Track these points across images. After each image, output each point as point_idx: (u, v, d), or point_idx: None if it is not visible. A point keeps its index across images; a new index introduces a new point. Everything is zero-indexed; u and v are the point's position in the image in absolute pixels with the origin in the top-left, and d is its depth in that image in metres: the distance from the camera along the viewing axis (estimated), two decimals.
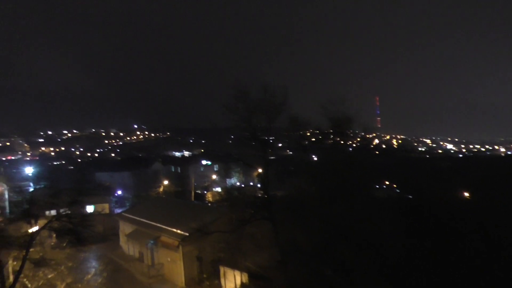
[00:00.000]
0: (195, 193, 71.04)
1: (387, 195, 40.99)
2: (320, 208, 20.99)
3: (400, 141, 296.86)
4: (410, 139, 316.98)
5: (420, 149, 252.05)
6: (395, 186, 57.34)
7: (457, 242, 20.43)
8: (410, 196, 40.34)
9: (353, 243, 19.27)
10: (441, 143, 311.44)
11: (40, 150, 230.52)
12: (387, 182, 59.27)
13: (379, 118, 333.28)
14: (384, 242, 19.04)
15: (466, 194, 42.53)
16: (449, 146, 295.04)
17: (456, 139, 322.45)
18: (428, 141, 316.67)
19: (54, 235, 29.05)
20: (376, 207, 21.32)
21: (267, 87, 27.29)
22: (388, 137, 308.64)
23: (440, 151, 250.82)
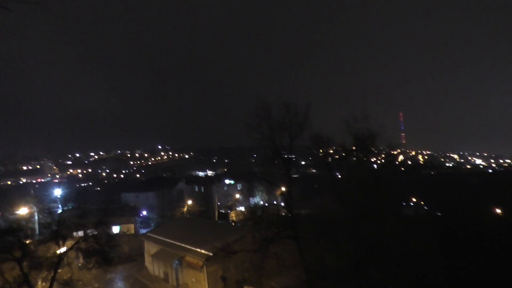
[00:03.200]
0: (219, 212, 70.97)
1: (415, 213, 39.83)
2: (346, 227, 20.56)
3: (426, 157, 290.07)
4: (437, 154, 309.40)
5: (447, 164, 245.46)
6: (422, 203, 55.75)
7: (492, 261, 19.55)
8: (439, 213, 39.07)
9: (382, 263, 18.70)
10: (470, 158, 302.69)
11: (68, 172, 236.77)
12: (414, 199, 57.74)
13: (403, 134, 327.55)
14: (415, 261, 18.39)
15: (498, 211, 40.89)
16: (478, 161, 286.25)
17: (485, 154, 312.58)
18: (456, 156, 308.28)
19: (81, 256, 29.43)
20: (405, 225, 20.70)
21: (289, 105, 27.39)
22: (413, 153, 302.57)
23: (468, 166, 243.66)
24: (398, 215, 24.55)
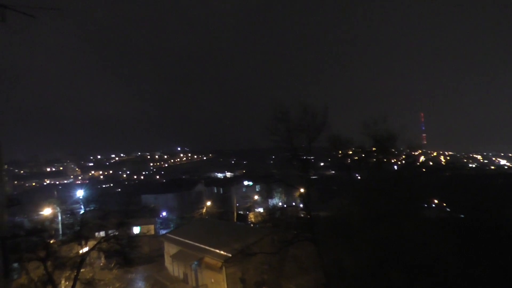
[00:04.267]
0: (237, 214, 71.14)
1: (437, 215, 39.07)
2: (366, 229, 20.35)
3: (448, 158, 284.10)
4: (459, 155, 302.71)
5: (470, 165, 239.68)
6: (444, 204, 54.63)
7: None
8: (462, 216, 38.22)
9: (402, 266, 18.44)
10: (494, 158, 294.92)
11: (90, 174, 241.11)
12: (436, 201, 56.63)
13: (424, 135, 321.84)
14: (437, 265, 18.07)
15: None
16: (503, 161, 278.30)
17: (510, 154, 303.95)
18: (479, 157, 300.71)
19: (103, 256, 29.97)
20: (426, 228, 20.35)
21: (307, 106, 27.28)
22: (435, 153, 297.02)
23: (492, 167, 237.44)
24: (419, 217, 24.13)
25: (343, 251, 22.04)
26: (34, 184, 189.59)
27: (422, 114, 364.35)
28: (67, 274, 24.40)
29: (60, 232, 30.01)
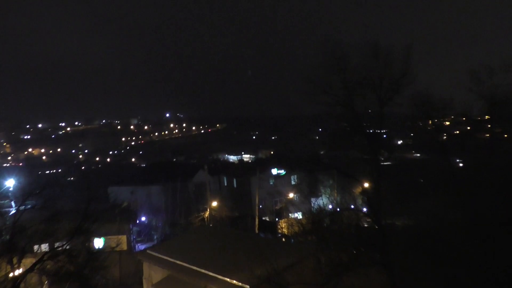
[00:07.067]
0: (261, 220, 71.70)
1: None
2: (472, 248, 20.22)
3: None
4: None
5: None
6: None
7: None
8: None
9: None
10: None
11: (26, 152, 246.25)
12: None
13: None
14: None
15: None
16: None
17: None
18: None
19: (47, 282, 30.73)
20: None
21: (378, 48, 26.81)
22: None
23: None
24: None
25: (432, 280, 22.04)
26: None
27: None
28: None
29: None
